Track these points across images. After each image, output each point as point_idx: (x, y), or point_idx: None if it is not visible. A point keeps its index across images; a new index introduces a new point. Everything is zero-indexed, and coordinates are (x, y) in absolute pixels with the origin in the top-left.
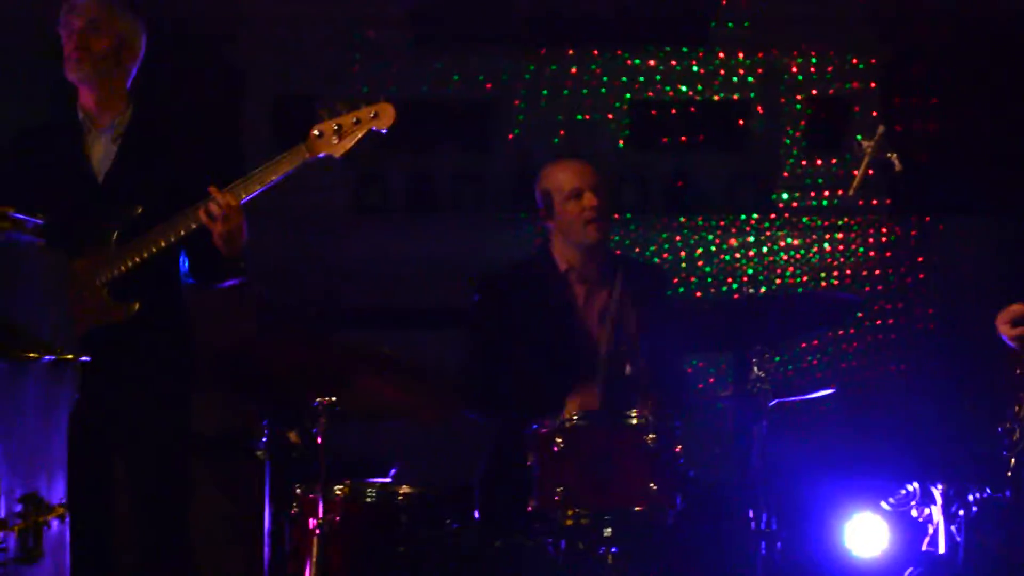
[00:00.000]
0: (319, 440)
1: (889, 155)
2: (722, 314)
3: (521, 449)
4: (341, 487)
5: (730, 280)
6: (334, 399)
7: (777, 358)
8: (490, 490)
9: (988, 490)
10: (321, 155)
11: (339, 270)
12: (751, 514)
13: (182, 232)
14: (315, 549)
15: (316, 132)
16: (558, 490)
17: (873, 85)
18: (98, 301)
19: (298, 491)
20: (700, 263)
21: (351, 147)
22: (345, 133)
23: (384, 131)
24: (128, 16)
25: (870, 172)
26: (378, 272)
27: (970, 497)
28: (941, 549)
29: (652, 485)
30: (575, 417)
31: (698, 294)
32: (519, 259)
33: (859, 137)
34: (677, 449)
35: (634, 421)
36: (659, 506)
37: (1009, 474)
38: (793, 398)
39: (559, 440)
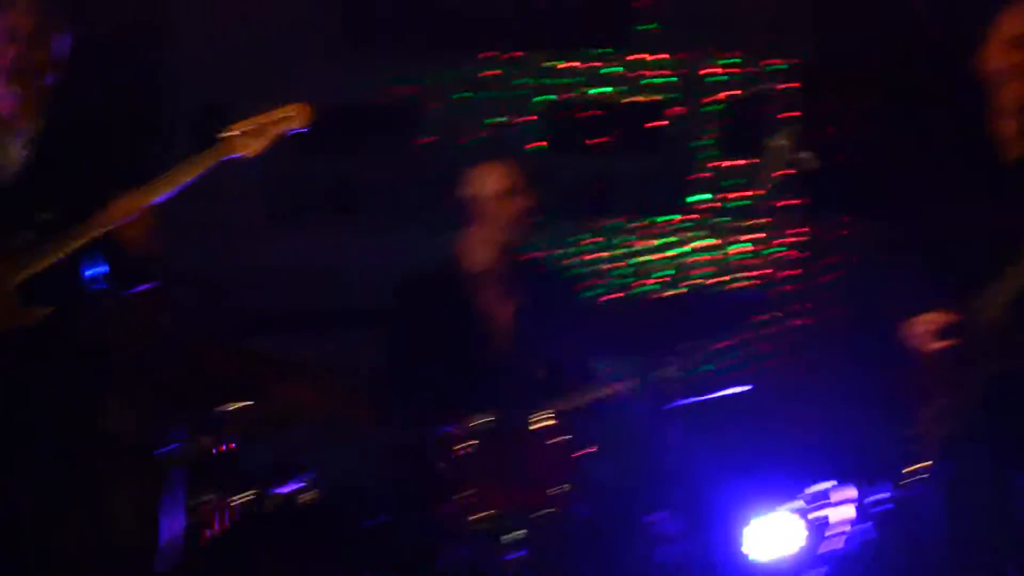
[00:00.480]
0: (231, 446)
1: (803, 154)
2: (635, 316)
3: (431, 452)
4: (247, 493)
5: (646, 282)
6: (248, 405)
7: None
8: (399, 494)
9: (896, 490)
10: (235, 156)
11: (257, 274)
12: (660, 515)
13: (92, 235)
14: (216, 557)
15: (230, 133)
16: (464, 494)
17: (789, 87)
18: (6, 305)
19: (204, 499)
20: (614, 265)
21: (266, 147)
22: (260, 133)
23: (301, 131)
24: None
25: (784, 172)
26: (297, 276)
27: (878, 496)
28: (849, 549)
29: (558, 488)
30: (481, 420)
31: (611, 296)
32: (436, 261)
33: (771, 138)
34: (584, 452)
35: (541, 424)
36: (565, 509)
37: (920, 475)
38: (703, 398)
39: (466, 444)
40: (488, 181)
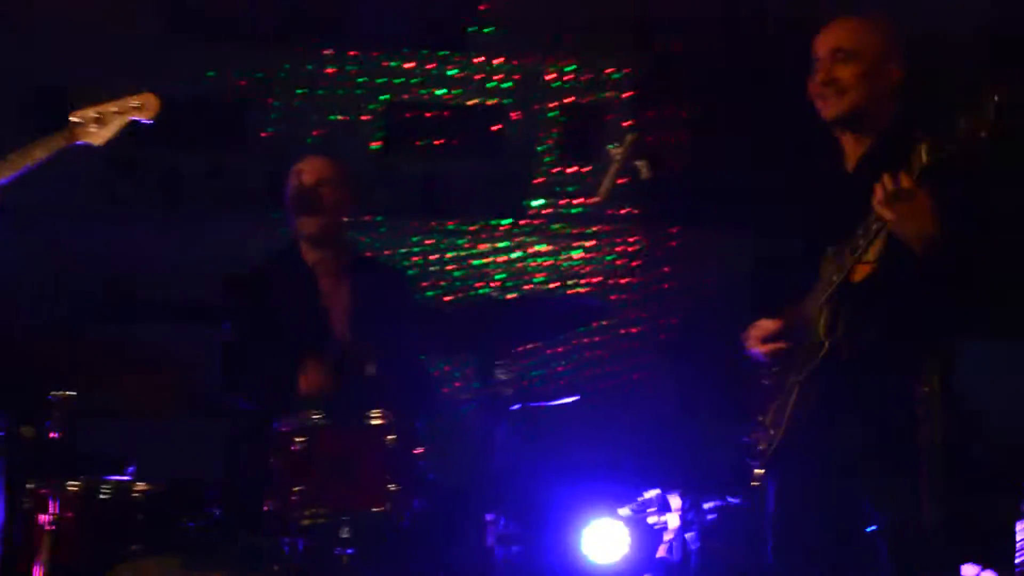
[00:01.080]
0: (55, 435)
1: (637, 163)
2: (467, 317)
3: (262, 447)
4: (75, 483)
5: (480, 285)
6: (71, 393)
7: (521, 363)
8: (230, 488)
9: (724, 498)
10: (80, 143)
11: (88, 265)
12: (490, 517)
13: None
14: (45, 546)
15: (75, 119)
16: (296, 490)
17: (627, 94)
18: None
19: (29, 487)
20: (451, 267)
21: (112, 136)
22: (106, 122)
23: (148, 122)
24: None
25: (620, 180)
26: (129, 267)
27: (706, 505)
28: (677, 556)
29: (391, 486)
30: (316, 416)
31: (448, 298)
32: (269, 254)
33: (609, 145)
34: (417, 451)
35: (375, 422)
36: (397, 507)
37: (754, 483)
38: (535, 403)
39: (299, 440)
40: (306, 171)
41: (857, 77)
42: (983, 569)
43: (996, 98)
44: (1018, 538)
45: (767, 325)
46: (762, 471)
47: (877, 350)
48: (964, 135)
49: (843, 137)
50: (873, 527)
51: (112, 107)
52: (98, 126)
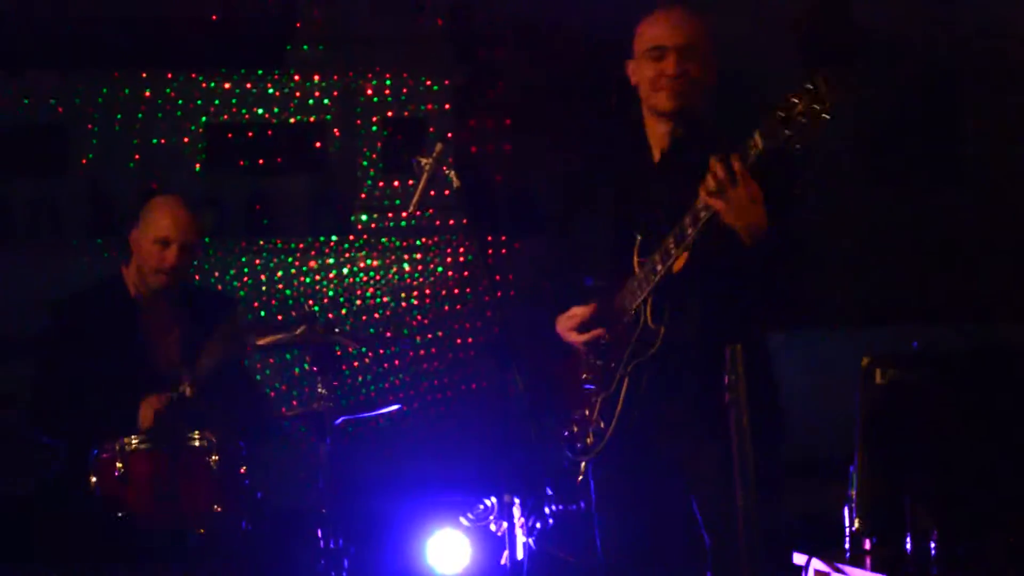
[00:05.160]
0: None
1: (447, 172)
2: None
3: (85, 472)
4: None
5: (311, 303)
6: None
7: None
8: (54, 515)
9: (558, 502)
10: None
11: None
12: (319, 533)
13: None
14: None
15: None
16: (120, 514)
17: (447, 106)
18: None
19: None
20: (280, 286)
21: None
22: None
23: None
24: None
25: (432, 192)
26: None
27: (546, 509)
28: (517, 562)
29: (216, 507)
30: (135, 441)
31: (279, 317)
32: (92, 283)
33: (419, 157)
34: (242, 470)
35: (196, 443)
36: (224, 527)
37: (580, 478)
38: (360, 415)
39: (119, 464)
40: (157, 222)
41: (701, 70)
42: (811, 557)
43: (825, 79)
44: (845, 524)
45: (580, 312)
46: (585, 464)
47: (695, 339)
48: (800, 118)
49: (655, 129)
50: (699, 520)
51: None
52: None
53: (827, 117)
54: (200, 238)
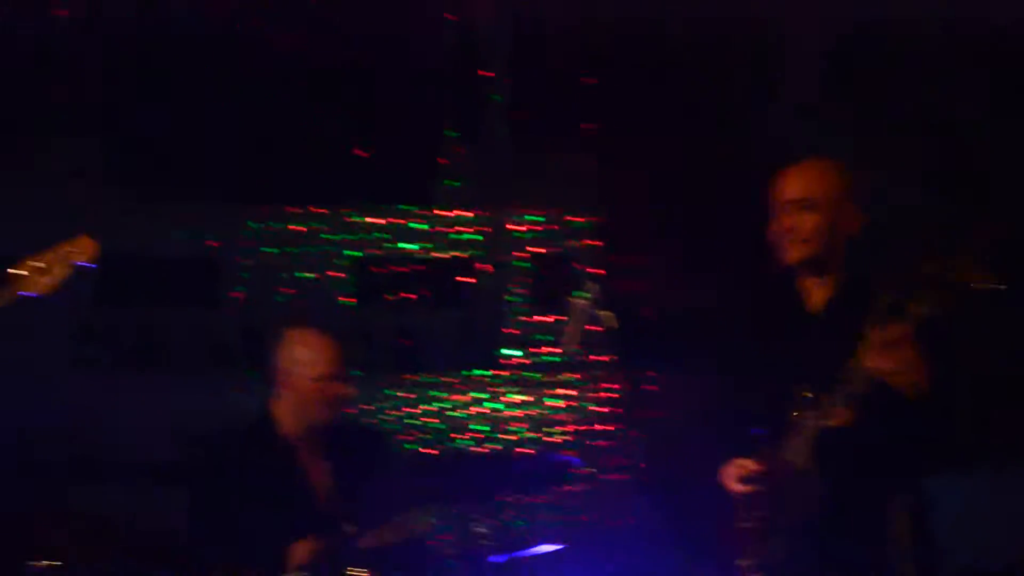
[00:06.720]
0: None
1: (601, 312)
2: (447, 471)
3: None
4: None
5: (456, 436)
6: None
7: (501, 515)
8: None
9: None
10: (25, 294)
11: (59, 423)
12: None
13: None
14: None
15: (17, 272)
16: None
17: (592, 243)
18: None
19: None
20: (427, 420)
21: (56, 283)
22: (47, 270)
23: (91, 265)
24: None
25: (588, 329)
26: (102, 427)
27: None
28: None
29: None
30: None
31: (425, 451)
32: (243, 418)
33: (573, 295)
34: None
35: None
36: None
37: None
38: (519, 553)
39: None
40: (312, 359)
41: (817, 226)
42: None
43: (990, 237)
44: None
45: (747, 464)
46: None
47: (856, 493)
48: (957, 282)
49: (803, 280)
50: None
51: (50, 255)
52: (40, 275)
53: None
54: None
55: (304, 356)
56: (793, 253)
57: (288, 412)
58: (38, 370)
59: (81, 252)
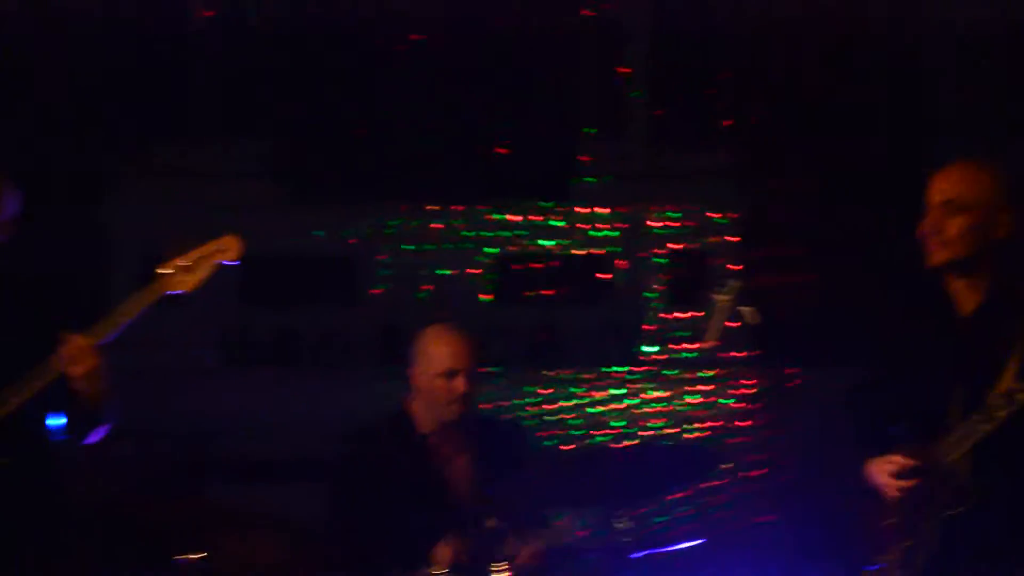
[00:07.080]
0: None
1: (743, 309)
2: (589, 466)
3: None
4: None
5: (596, 432)
6: (201, 556)
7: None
8: None
9: None
10: (172, 292)
11: (205, 424)
12: None
13: (41, 383)
14: None
15: (164, 271)
16: None
17: (731, 238)
18: None
19: None
20: (566, 416)
21: (202, 281)
22: (195, 268)
23: (235, 263)
24: None
25: (729, 325)
26: (246, 427)
27: None
28: None
29: None
30: (442, 572)
31: (564, 447)
32: (382, 415)
33: (715, 292)
34: None
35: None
36: None
37: None
38: (658, 550)
39: None
40: (444, 356)
41: (964, 229)
42: None
43: None
44: None
45: (900, 460)
46: None
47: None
48: None
49: (951, 282)
50: None
51: (196, 254)
52: (186, 273)
53: None
54: (480, 363)
55: (432, 352)
56: (936, 255)
57: (421, 408)
58: (190, 373)
59: (228, 250)
